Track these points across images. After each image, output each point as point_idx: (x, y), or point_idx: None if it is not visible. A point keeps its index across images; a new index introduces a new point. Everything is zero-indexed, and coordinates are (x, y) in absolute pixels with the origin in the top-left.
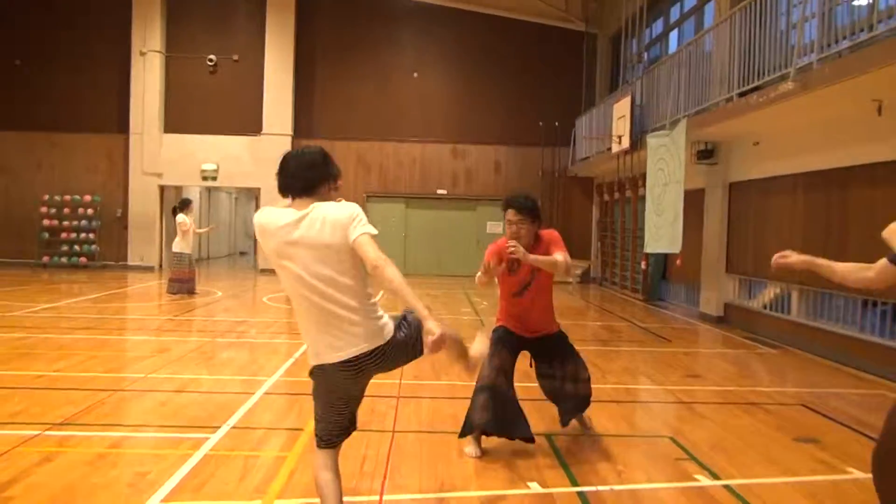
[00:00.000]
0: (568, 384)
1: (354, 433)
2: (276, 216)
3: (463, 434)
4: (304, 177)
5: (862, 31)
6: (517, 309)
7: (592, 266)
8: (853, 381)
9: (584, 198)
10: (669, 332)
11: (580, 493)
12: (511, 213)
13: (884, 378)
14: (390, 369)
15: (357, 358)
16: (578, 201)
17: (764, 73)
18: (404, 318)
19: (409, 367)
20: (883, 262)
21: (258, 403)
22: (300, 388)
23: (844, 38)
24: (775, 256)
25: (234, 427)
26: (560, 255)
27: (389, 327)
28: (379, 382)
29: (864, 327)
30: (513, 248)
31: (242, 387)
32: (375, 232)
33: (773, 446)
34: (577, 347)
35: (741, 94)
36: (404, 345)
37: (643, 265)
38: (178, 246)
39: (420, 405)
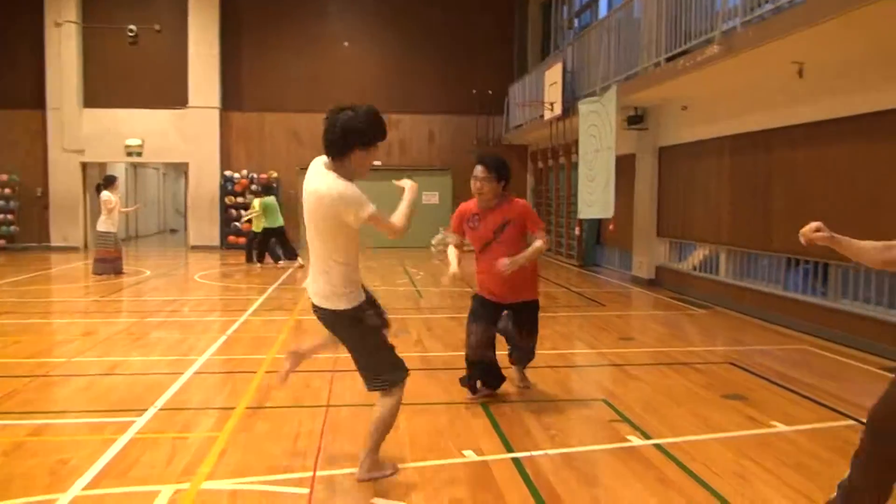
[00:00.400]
0: (522, 346)
1: (287, 410)
2: None
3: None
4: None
5: None
6: (483, 267)
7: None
8: (777, 338)
9: (519, 165)
10: (603, 297)
11: (515, 460)
12: (478, 169)
13: (805, 333)
14: (340, 339)
15: (315, 306)
16: (513, 169)
17: (690, 38)
18: (368, 310)
19: None
20: None
21: (188, 383)
22: (232, 366)
23: (767, 1)
24: (807, 229)
25: (161, 409)
26: (540, 241)
27: (349, 301)
28: (313, 357)
29: (787, 286)
30: (504, 269)
31: (172, 367)
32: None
33: (702, 404)
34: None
35: (669, 59)
36: (351, 327)
37: (577, 231)
38: (104, 225)
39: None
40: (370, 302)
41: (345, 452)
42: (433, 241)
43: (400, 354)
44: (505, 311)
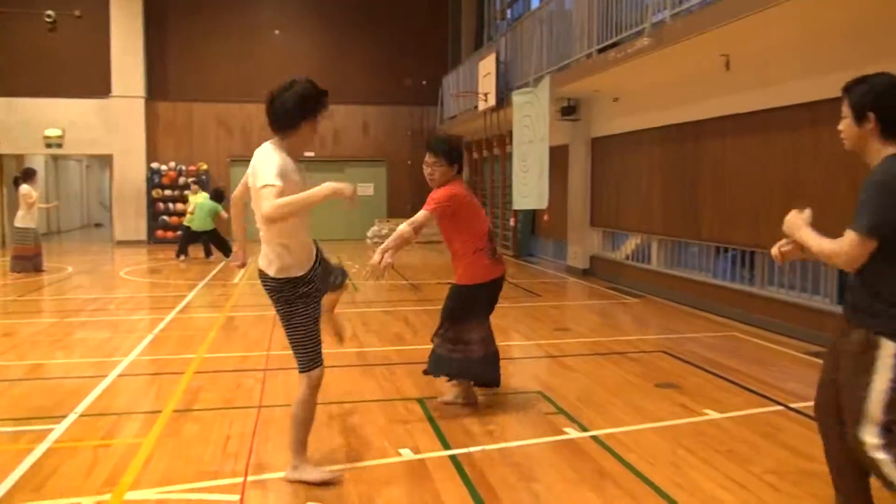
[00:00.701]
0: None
1: (217, 412)
2: None
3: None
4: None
5: None
6: None
7: None
8: (708, 325)
9: None
10: (539, 287)
11: (452, 457)
12: (427, 156)
13: (734, 320)
14: (275, 308)
15: (259, 270)
16: None
17: (622, 30)
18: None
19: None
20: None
21: (111, 387)
22: (159, 366)
23: None
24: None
25: (82, 415)
26: (404, 225)
27: (281, 267)
28: (245, 355)
29: (716, 273)
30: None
31: (95, 370)
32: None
33: (637, 394)
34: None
35: (600, 51)
36: (279, 295)
37: (512, 222)
38: (23, 220)
39: (289, 376)
40: (312, 277)
41: (278, 454)
42: (369, 234)
43: (335, 350)
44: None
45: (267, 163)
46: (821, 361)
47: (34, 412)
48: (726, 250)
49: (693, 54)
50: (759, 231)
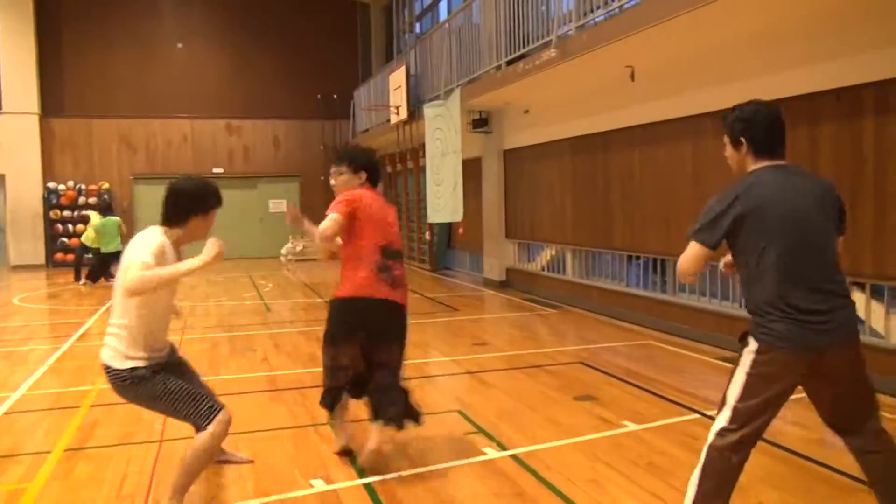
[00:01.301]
0: None
1: (113, 449)
2: None
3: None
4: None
5: (614, 0)
6: None
7: None
8: (623, 334)
9: None
10: (456, 301)
11: (367, 485)
12: (332, 168)
13: (648, 328)
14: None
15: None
16: None
17: (529, 42)
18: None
19: None
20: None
21: None
22: (51, 401)
23: (599, 7)
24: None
25: None
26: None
27: (121, 360)
28: None
29: (629, 281)
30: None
31: None
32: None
33: (556, 408)
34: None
35: (509, 63)
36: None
37: (427, 236)
38: None
39: None
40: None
41: None
42: (283, 251)
43: (245, 375)
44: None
45: (144, 241)
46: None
47: None
48: (638, 258)
49: (599, 66)
50: (670, 238)
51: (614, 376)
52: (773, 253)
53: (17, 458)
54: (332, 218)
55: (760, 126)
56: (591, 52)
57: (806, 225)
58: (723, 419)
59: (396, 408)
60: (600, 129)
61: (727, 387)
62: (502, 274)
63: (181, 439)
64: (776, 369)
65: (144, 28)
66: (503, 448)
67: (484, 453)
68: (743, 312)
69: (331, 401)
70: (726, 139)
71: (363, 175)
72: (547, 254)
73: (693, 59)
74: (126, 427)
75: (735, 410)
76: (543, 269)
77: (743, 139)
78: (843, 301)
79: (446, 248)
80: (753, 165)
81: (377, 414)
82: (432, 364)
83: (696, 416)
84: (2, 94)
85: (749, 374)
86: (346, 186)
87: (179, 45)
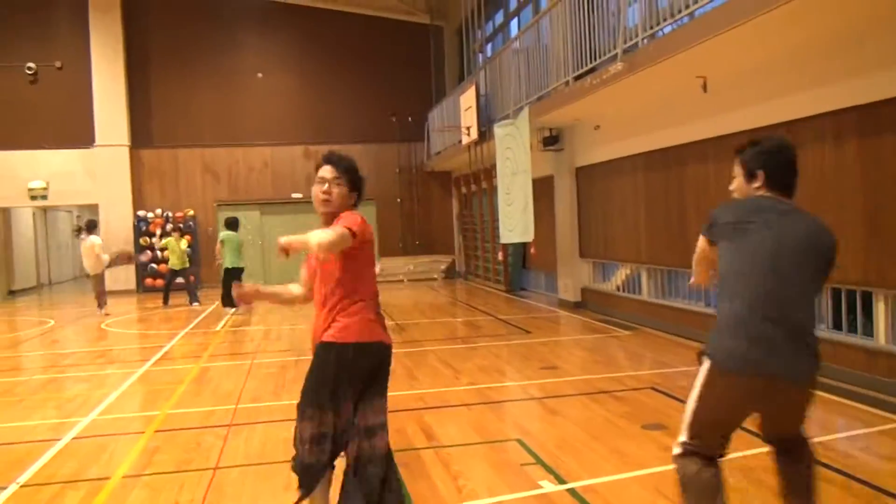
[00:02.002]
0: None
1: (169, 476)
2: None
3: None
4: None
5: (680, 11)
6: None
7: (457, 260)
8: None
9: (444, 192)
10: (529, 323)
11: None
12: (325, 168)
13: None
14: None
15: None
16: (438, 196)
17: (596, 56)
18: None
19: (249, 389)
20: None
21: (63, 451)
22: (119, 426)
23: (665, 20)
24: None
25: (24, 485)
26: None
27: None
28: (212, 409)
29: (708, 302)
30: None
31: (50, 432)
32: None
33: (621, 438)
34: (435, 347)
35: (577, 79)
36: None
37: (500, 256)
38: (94, 268)
39: (253, 432)
40: None
41: None
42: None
43: (293, 402)
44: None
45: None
46: (821, 394)
47: None
48: None
49: (669, 77)
50: None
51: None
52: (744, 278)
53: (77, 485)
54: (341, 233)
55: (781, 163)
56: (659, 64)
57: (783, 262)
58: (683, 434)
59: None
60: (673, 142)
61: (687, 402)
62: (577, 294)
63: (235, 467)
64: (724, 389)
65: (226, 61)
66: (561, 481)
67: (539, 486)
68: (830, 335)
69: (309, 483)
70: (739, 170)
71: (354, 196)
72: (622, 273)
73: (766, 66)
74: (184, 453)
75: (691, 426)
76: (619, 289)
77: (761, 173)
78: (804, 343)
79: (521, 268)
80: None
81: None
82: (497, 389)
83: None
84: (96, 127)
85: (702, 391)
86: (341, 201)
87: (259, 75)
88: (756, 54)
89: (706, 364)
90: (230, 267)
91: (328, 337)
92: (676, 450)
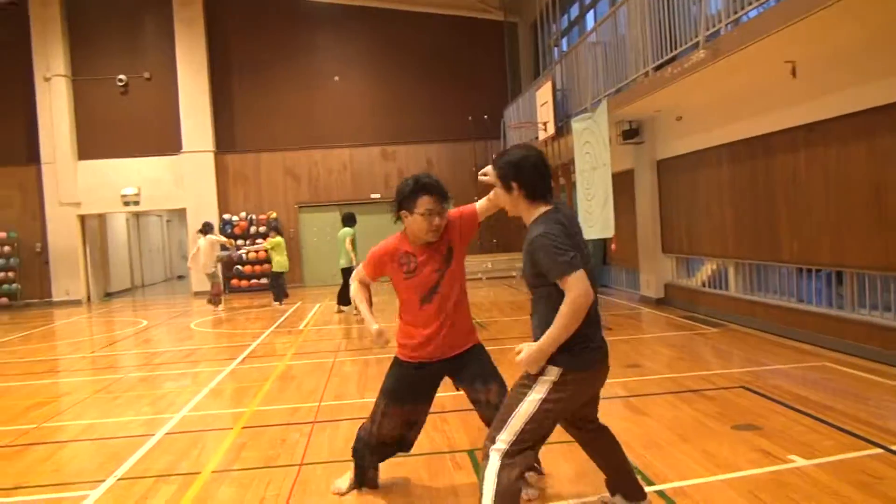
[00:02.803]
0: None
1: (256, 472)
2: None
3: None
4: None
5: None
6: (422, 321)
7: None
8: (794, 355)
9: None
10: (611, 320)
11: None
12: (430, 201)
13: (824, 347)
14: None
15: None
16: None
17: (676, 45)
18: None
19: (332, 387)
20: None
21: (156, 446)
22: (207, 422)
23: (750, 3)
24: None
25: (121, 478)
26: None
27: None
28: (296, 407)
29: (802, 297)
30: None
31: (144, 428)
32: None
33: (711, 438)
34: (511, 346)
35: (657, 69)
36: None
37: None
38: (208, 267)
39: (337, 429)
40: None
41: None
42: None
43: None
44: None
45: None
46: None
47: (74, 476)
48: (818, 270)
49: (755, 63)
50: (844, 248)
51: (781, 403)
52: None
53: (169, 479)
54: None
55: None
56: (744, 50)
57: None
58: (506, 441)
59: None
60: (759, 132)
61: (511, 409)
62: (660, 290)
63: (319, 463)
64: (577, 386)
65: (304, 65)
66: (649, 482)
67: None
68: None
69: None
70: (496, 181)
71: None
72: (707, 268)
73: (861, 47)
74: (270, 449)
75: (523, 432)
76: (704, 285)
77: (514, 184)
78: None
79: (602, 264)
80: (531, 209)
81: None
82: None
83: (879, 450)
84: (183, 135)
85: (544, 401)
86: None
87: (336, 79)
88: (849, 35)
89: (553, 372)
90: (346, 267)
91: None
92: (505, 459)
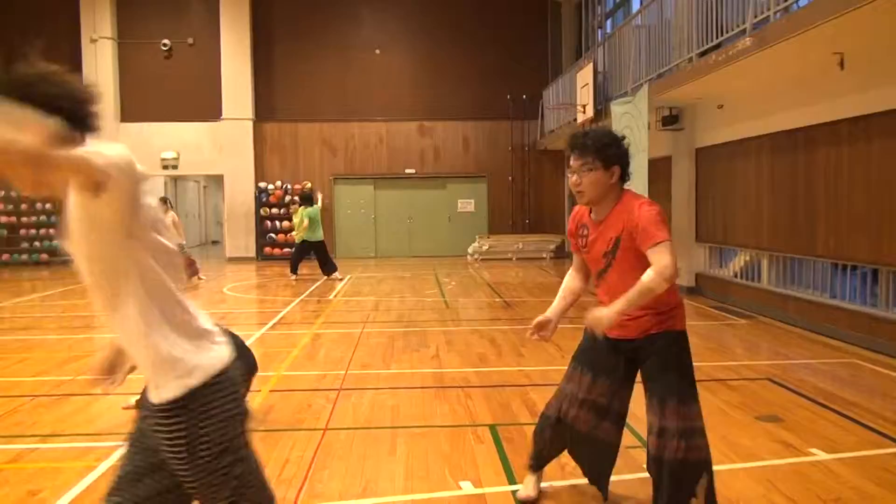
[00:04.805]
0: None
1: (282, 434)
2: None
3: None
4: None
5: None
6: (601, 296)
7: (566, 241)
8: (823, 350)
9: (556, 171)
10: None
11: (515, 493)
12: (572, 158)
13: (855, 345)
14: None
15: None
16: (550, 175)
17: (723, 32)
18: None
19: (359, 357)
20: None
21: None
22: None
23: None
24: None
25: None
26: (650, 273)
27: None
28: (323, 373)
29: (835, 293)
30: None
31: None
32: None
33: (734, 428)
34: None
35: (701, 55)
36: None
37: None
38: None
39: (362, 397)
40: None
41: (332, 483)
42: (469, 250)
43: (414, 370)
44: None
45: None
46: None
47: (107, 429)
48: (854, 268)
49: (802, 53)
50: (882, 246)
51: (806, 397)
52: None
53: None
54: (669, 248)
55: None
56: (792, 39)
57: None
58: None
59: None
60: (802, 123)
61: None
62: (691, 279)
63: (343, 429)
64: None
65: (345, 37)
66: None
67: (644, 470)
68: None
69: None
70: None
71: (616, 171)
72: (740, 259)
73: None
74: (297, 413)
75: None
76: (736, 276)
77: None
78: None
79: None
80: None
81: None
82: None
83: None
84: (223, 101)
85: None
86: (598, 189)
87: (377, 52)
88: None
89: None
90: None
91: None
92: None
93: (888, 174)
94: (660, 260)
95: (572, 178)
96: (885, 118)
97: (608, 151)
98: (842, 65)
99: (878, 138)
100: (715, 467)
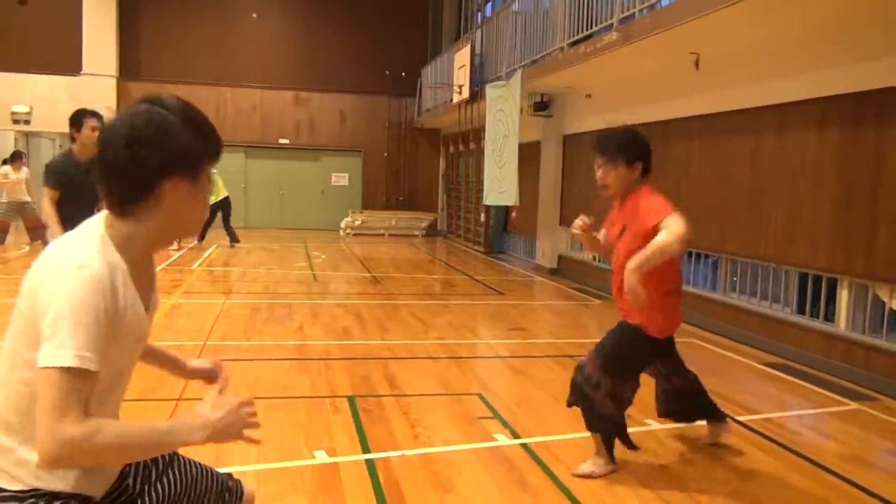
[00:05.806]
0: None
1: (132, 403)
2: None
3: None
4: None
5: None
6: (614, 267)
7: (439, 219)
8: None
9: (432, 150)
10: (504, 285)
11: (368, 461)
12: (597, 157)
13: (694, 325)
14: None
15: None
16: (425, 153)
17: (593, 24)
18: None
19: (220, 327)
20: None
21: None
22: None
23: None
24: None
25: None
26: (663, 233)
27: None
28: (180, 344)
29: (695, 281)
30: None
31: None
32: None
33: None
34: (408, 301)
35: (572, 45)
36: None
37: (482, 218)
38: None
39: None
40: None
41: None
42: (342, 225)
43: (276, 342)
44: None
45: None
46: (779, 374)
47: None
48: (707, 256)
49: (663, 51)
50: (724, 236)
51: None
52: None
53: None
54: (680, 224)
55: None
56: (653, 37)
57: None
58: None
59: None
60: (659, 117)
61: None
62: (554, 261)
63: (197, 400)
64: None
65: None
66: (516, 436)
67: (495, 439)
68: (792, 317)
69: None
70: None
71: (639, 166)
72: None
73: (759, 48)
74: (149, 383)
75: None
76: (595, 259)
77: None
78: None
79: (502, 231)
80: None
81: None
82: (464, 345)
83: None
84: (84, 55)
85: None
86: (621, 183)
87: (254, 16)
88: (749, 35)
89: None
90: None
91: (649, 326)
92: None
93: (730, 169)
94: (671, 225)
95: (599, 174)
96: (731, 116)
97: (630, 149)
98: (697, 64)
99: (723, 136)
100: (558, 436)
